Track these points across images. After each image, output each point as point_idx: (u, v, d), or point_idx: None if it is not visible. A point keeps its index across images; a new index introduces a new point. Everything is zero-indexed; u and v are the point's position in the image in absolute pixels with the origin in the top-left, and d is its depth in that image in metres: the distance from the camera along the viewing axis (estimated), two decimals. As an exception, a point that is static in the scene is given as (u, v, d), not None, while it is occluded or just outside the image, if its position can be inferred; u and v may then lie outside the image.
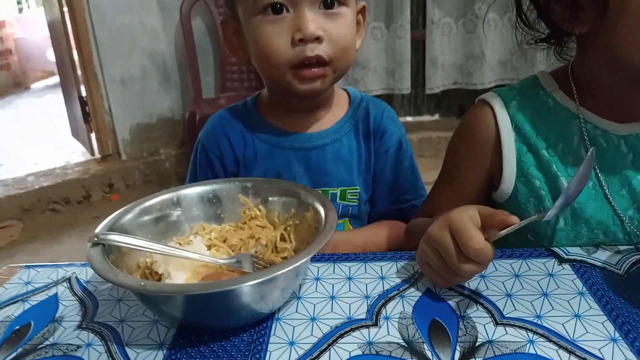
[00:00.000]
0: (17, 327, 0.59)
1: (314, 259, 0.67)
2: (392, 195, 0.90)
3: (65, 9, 2.82)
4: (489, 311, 0.56)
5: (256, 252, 0.63)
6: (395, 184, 0.89)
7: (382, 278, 0.63)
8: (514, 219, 0.54)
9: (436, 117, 3.37)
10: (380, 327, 0.54)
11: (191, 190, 0.69)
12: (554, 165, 0.69)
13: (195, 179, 0.88)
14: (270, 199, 0.68)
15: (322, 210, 0.60)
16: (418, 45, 2.99)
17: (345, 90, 0.92)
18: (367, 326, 0.55)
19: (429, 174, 0.94)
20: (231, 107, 0.90)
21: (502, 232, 0.55)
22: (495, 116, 0.72)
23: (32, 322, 0.59)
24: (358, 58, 2.93)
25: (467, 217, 0.55)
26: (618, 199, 0.69)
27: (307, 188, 0.66)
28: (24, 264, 0.72)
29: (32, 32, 6.25)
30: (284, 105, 0.85)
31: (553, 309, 0.56)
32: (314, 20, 0.72)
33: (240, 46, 0.82)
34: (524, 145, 0.71)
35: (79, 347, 0.55)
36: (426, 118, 3.37)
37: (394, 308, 0.57)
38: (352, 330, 0.54)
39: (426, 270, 0.61)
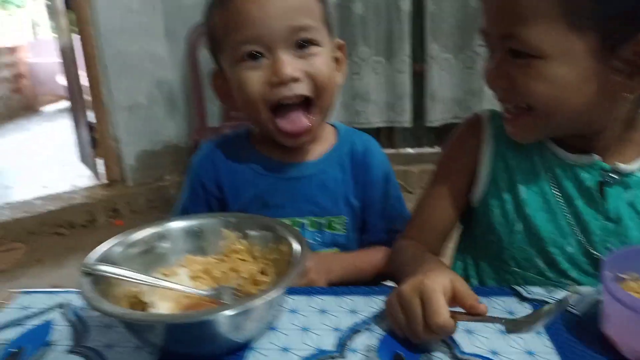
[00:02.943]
0: (12, 350, 0.63)
1: (291, 292, 0.71)
2: (383, 224, 0.94)
3: (77, 36, 2.91)
4: (448, 346, 0.60)
5: (237, 284, 0.68)
6: (385, 212, 0.94)
7: (354, 312, 0.67)
8: (482, 307, 0.59)
9: (437, 149, 3.41)
10: (345, 359, 0.58)
11: (178, 224, 0.74)
12: (517, 175, 0.80)
13: (184, 200, 0.94)
14: (251, 233, 0.72)
15: (296, 245, 0.65)
16: (418, 79, 3.06)
17: (333, 125, 0.97)
18: (334, 358, 0.59)
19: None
20: (223, 136, 0.97)
21: (471, 319, 0.59)
22: (481, 125, 0.84)
23: (25, 347, 0.64)
24: (359, 90, 3.00)
25: (440, 287, 0.59)
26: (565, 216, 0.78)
27: (284, 224, 0.71)
28: (23, 290, 0.76)
29: (44, 57, 6.41)
30: (273, 140, 0.90)
31: (509, 346, 0.60)
32: (290, 63, 0.78)
33: (229, 94, 0.87)
34: (499, 154, 0.82)
35: (67, 370, 0.59)
36: (427, 150, 3.41)
37: (362, 341, 0.61)
38: (320, 360, 0.58)
39: (391, 319, 0.63)
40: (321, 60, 0.81)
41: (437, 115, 3.06)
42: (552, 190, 0.78)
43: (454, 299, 0.60)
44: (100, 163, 3.15)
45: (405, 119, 3.06)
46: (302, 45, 0.79)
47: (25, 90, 6.55)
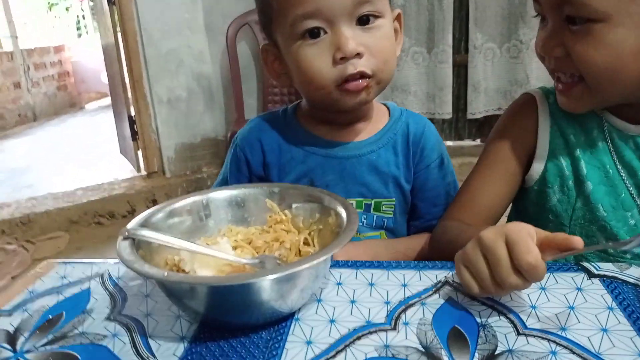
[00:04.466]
0: (50, 316, 0.61)
1: (337, 265, 0.68)
2: (436, 211, 0.89)
3: (119, 33, 2.96)
4: (511, 321, 0.55)
5: (280, 254, 0.64)
6: (439, 199, 0.89)
7: (404, 285, 0.63)
8: (578, 239, 0.53)
9: (477, 142, 3.32)
10: (398, 332, 0.54)
11: (220, 194, 0.71)
12: (577, 150, 0.78)
13: (224, 174, 0.91)
14: (295, 204, 0.69)
15: (344, 215, 0.61)
16: (460, 70, 2.98)
17: (385, 104, 0.93)
18: (386, 330, 0.54)
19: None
20: (271, 113, 0.93)
21: (563, 255, 0.54)
22: (536, 103, 0.82)
23: (64, 312, 0.62)
24: (398, 82, 2.94)
25: (526, 232, 0.54)
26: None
27: (332, 194, 0.67)
28: (61, 260, 0.75)
29: (88, 56, 6.59)
30: (324, 118, 0.86)
31: (579, 322, 0.54)
32: (353, 37, 0.73)
33: (282, 71, 0.83)
34: (557, 130, 0.80)
35: (105, 336, 0.57)
36: (467, 143, 3.33)
37: (414, 314, 0.57)
38: (370, 333, 0.54)
39: (463, 274, 0.58)
40: (383, 33, 0.76)
41: (480, 106, 2.97)
42: (614, 162, 0.76)
43: (540, 245, 0.54)
44: (140, 155, 3.19)
45: (446, 111, 2.98)
46: (365, 20, 0.74)
47: (70, 87, 6.74)
